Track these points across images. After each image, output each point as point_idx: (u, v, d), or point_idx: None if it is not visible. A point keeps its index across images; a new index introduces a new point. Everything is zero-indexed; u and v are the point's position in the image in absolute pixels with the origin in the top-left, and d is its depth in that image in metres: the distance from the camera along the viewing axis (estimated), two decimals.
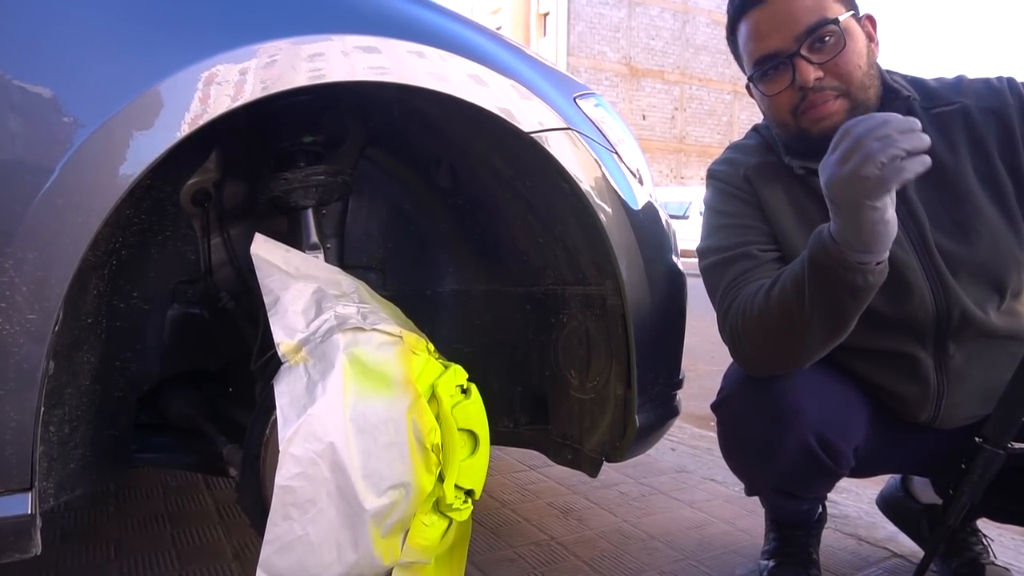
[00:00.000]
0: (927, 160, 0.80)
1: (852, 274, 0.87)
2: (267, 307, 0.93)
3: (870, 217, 0.83)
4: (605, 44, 26.79)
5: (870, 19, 1.05)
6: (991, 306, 1.03)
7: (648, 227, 1.15)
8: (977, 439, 0.94)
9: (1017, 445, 0.92)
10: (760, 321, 0.99)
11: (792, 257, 1.07)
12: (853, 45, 1.00)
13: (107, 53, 0.75)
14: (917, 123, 0.81)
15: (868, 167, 0.80)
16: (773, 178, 1.11)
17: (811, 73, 0.99)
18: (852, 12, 1.01)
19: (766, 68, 1.03)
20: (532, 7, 27.33)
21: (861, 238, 0.85)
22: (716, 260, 1.10)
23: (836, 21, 0.98)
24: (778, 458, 1.07)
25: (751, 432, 1.11)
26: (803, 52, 0.99)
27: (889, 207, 0.83)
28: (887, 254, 0.88)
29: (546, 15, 27.03)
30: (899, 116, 0.82)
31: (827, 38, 0.99)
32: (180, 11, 0.80)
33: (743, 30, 1.05)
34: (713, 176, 1.18)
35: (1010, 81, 1.05)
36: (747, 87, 1.14)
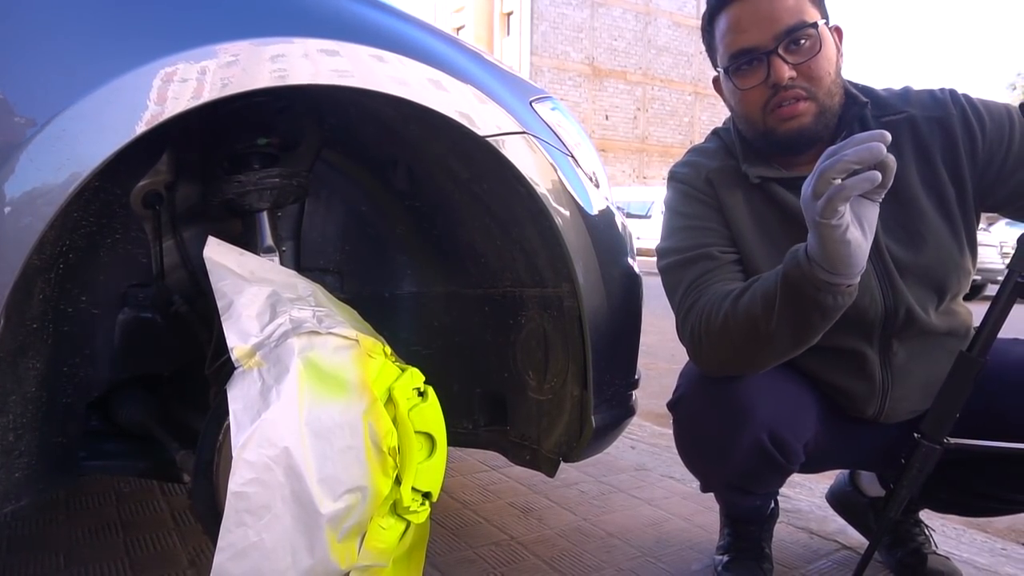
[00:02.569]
0: (874, 176, 0.79)
1: (823, 294, 0.89)
2: (220, 311, 0.92)
3: (829, 235, 0.83)
4: (568, 44, 26.93)
5: (838, 31, 1.08)
6: (931, 306, 1.08)
7: (604, 230, 1.16)
8: (915, 435, 0.97)
9: (953, 440, 0.96)
10: (724, 327, 1.01)
11: (749, 261, 1.10)
12: (826, 51, 1.03)
13: (56, 50, 0.73)
14: (883, 135, 0.80)
15: (820, 185, 0.82)
16: (733, 183, 1.13)
17: (785, 72, 1.02)
18: (825, 21, 1.04)
19: (741, 62, 1.05)
20: (495, 6, 27.32)
21: (827, 258, 0.85)
22: (676, 260, 1.12)
23: (815, 25, 1.02)
24: (732, 455, 1.10)
25: (706, 430, 1.13)
26: (780, 51, 1.01)
27: (849, 227, 0.83)
28: (857, 278, 0.89)
29: (509, 14, 27.06)
30: (865, 133, 0.82)
31: (803, 40, 1.02)
32: (133, 10, 0.78)
33: (722, 22, 1.07)
34: (674, 178, 1.19)
35: (952, 92, 1.09)
36: (715, 81, 1.16)
